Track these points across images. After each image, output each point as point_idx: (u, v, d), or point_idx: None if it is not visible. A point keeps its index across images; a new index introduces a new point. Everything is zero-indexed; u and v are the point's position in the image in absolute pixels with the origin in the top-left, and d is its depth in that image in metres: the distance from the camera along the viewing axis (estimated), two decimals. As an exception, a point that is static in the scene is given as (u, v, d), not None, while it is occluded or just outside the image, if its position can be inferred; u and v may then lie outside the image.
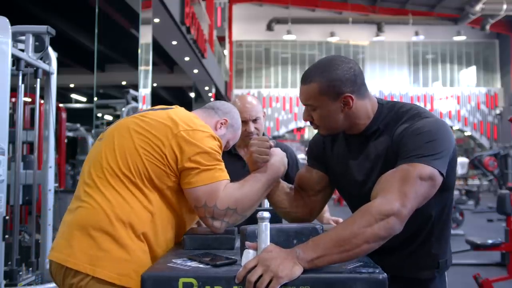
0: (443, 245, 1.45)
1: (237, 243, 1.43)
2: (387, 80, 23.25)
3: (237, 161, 2.25)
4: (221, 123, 1.61)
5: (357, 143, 1.45)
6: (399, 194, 1.19)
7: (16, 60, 2.71)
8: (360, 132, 1.43)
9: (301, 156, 14.62)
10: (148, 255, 1.35)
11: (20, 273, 2.82)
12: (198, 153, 1.37)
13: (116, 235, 1.30)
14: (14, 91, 2.67)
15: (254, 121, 2.26)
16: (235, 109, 1.70)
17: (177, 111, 1.48)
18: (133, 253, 1.31)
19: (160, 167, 1.36)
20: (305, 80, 1.39)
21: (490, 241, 4.80)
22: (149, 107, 6.83)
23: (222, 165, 1.42)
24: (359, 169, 1.43)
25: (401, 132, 1.34)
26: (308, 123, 1.48)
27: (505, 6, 18.02)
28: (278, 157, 1.52)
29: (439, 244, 1.44)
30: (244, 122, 2.25)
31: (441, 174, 1.26)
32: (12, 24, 2.59)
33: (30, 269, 2.95)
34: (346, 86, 1.35)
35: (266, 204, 2.01)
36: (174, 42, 10.07)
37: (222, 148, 1.47)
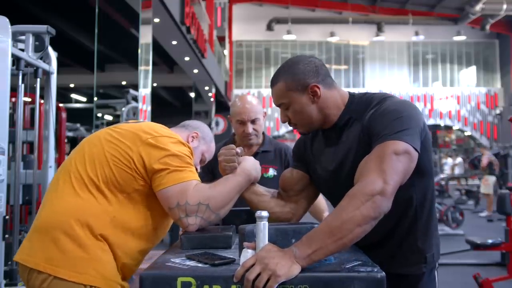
0: (429, 239, 1.46)
1: (235, 242, 1.43)
2: (387, 80, 23.23)
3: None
4: (192, 136, 1.69)
5: (332, 136, 1.49)
6: (379, 173, 1.21)
7: (16, 60, 2.71)
8: (334, 123, 1.47)
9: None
10: (108, 254, 1.37)
11: (20, 272, 2.82)
12: (167, 155, 1.41)
13: (74, 235, 1.34)
14: (14, 91, 2.67)
15: (253, 122, 2.27)
16: (204, 124, 1.80)
17: (148, 123, 1.56)
18: (91, 251, 1.34)
19: (127, 171, 1.40)
20: (272, 83, 1.47)
21: (490, 241, 4.79)
22: (149, 107, 6.84)
23: (193, 168, 1.47)
24: (333, 159, 1.46)
25: (370, 116, 1.38)
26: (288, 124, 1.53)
27: (505, 6, 18.00)
28: (249, 162, 1.57)
29: (425, 238, 1.45)
30: (243, 123, 2.27)
31: (415, 149, 1.27)
32: (12, 23, 2.59)
33: (30, 268, 2.95)
34: (309, 78, 1.41)
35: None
36: (174, 42, 10.07)
37: (193, 155, 1.52)
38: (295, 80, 1.41)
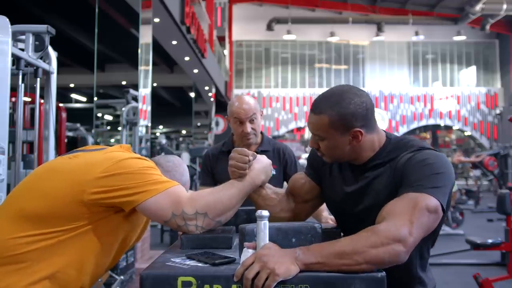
0: (424, 264, 1.44)
1: (235, 242, 1.43)
2: (387, 80, 23.23)
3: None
4: None
5: (355, 171, 1.45)
6: (407, 222, 1.18)
7: (16, 60, 2.71)
8: (361, 163, 1.42)
9: (304, 156, 14.58)
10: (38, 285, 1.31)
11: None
12: (130, 173, 1.33)
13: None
14: (14, 90, 2.67)
15: (251, 121, 2.32)
16: (178, 165, 1.62)
17: (106, 151, 1.44)
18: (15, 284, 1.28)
19: (77, 203, 1.31)
20: (315, 110, 1.37)
21: (490, 241, 4.79)
22: (149, 107, 6.83)
23: (164, 177, 1.39)
24: (356, 200, 1.42)
25: (405, 162, 1.33)
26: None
27: (505, 6, 18.01)
28: (261, 165, 1.51)
29: (421, 264, 1.43)
30: (241, 123, 2.32)
31: (443, 209, 1.26)
32: (12, 23, 2.59)
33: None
34: (357, 121, 1.34)
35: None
36: (174, 42, 10.07)
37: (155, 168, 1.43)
38: (341, 120, 1.33)
